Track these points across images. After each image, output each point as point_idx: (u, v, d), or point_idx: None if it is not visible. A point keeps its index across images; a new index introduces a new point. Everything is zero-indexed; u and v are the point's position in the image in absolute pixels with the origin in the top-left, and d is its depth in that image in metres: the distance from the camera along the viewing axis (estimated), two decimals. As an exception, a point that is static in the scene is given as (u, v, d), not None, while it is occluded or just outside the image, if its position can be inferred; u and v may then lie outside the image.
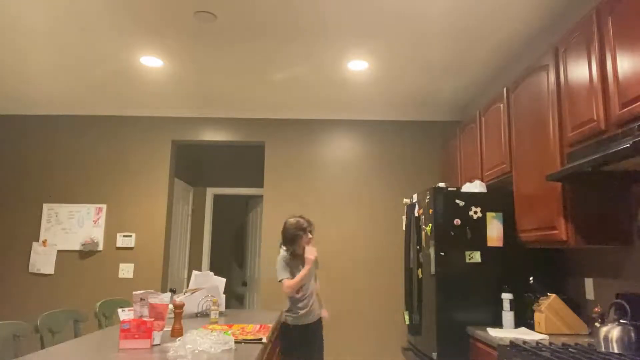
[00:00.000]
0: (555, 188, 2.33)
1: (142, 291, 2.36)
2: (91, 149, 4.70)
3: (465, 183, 3.19)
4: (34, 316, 2.41)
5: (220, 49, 3.36)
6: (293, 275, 2.98)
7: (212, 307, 2.74)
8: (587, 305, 2.50)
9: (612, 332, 1.93)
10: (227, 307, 3.32)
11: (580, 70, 2.16)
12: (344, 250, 4.51)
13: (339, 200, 4.62)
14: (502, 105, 3.01)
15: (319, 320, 3.14)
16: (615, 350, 1.90)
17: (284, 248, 3.08)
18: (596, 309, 2.18)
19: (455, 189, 2.98)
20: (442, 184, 3.08)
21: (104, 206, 4.59)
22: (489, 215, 2.85)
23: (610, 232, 2.19)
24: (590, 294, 2.52)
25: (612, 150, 1.76)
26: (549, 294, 2.52)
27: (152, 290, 2.41)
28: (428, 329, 2.95)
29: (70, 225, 4.55)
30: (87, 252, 4.49)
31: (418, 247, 3.21)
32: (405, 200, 3.62)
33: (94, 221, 4.56)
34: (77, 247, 4.50)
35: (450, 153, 4.10)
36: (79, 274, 4.46)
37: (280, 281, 2.99)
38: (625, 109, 1.84)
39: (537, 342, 2.15)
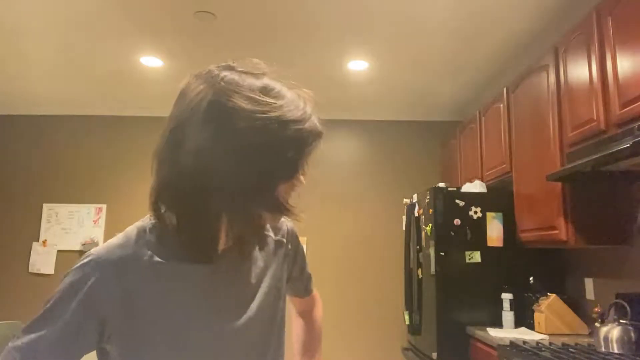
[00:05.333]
0: (555, 188, 2.33)
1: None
2: (91, 149, 4.70)
3: (465, 183, 3.19)
4: (34, 316, 2.41)
5: (220, 49, 3.35)
6: None
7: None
8: (587, 305, 2.50)
9: (612, 332, 1.93)
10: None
11: (580, 71, 2.16)
12: (344, 251, 4.50)
13: (339, 200, 4.62)
14: (502, 105, 3.01)
15: None
16: (615, 350, 1.90)
17: None
18: (596, 309, 2.18)
19: (455, 189, 2.98)
20: (442, 184, 3.08)
21: (104, 206, 4.59)
22: (489, 215, 2.85)
23: (610, 232, 2.19)
24: (590, 294, 2.52)
25: (612, 150, 1.76)
26: (549, 294, 2.52)
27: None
28: (428, 329, 2.95)
29: (70, 225, 4.55)
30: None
31: (418, 247, 3.21)
32: (405, 200, 3.62)
33: (94, 221, 4.56)
34: (77, 247, 4.49)
35: (450, 153, 4.10)
36: (79, 274, 4.45)
37: None
38: (625, 109, 1.84)
39: (537, 342, 2.15)
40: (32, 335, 0.70)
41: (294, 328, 1.16)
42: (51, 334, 0.70)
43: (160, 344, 0.74)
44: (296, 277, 1.02)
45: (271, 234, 0.92)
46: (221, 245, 0.79)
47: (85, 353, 0.75)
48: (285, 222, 0.96)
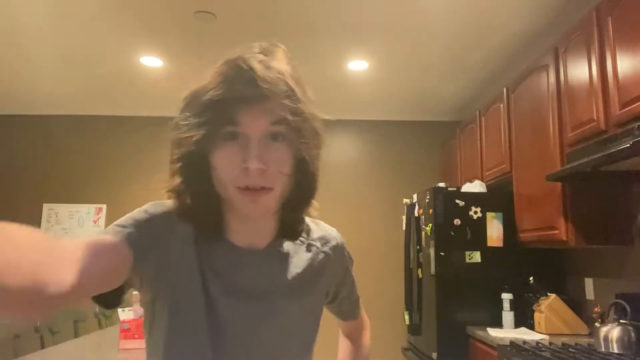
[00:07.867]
0: (555, 188, 2.33)
1: (142, 291, 2.36)
2: (91, 149, 4.70)
3: (465, 183, 3.19)
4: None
5: (220, 49, 3.34)
6: None
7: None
8: (587, 305, 2.50)
9: (612, 332, 1.93)
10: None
11: (580, 71, 2.16)
12: (344, 250, 4.50)
13: (339, 200, 4.62)
14: (502, 105, 3.01)
15: None
16: (615, 350, 1.90)
17: None
18: (596, 309, 2.18)
19: (455, 189, 2.98)
20: (442, 184, 3.08)
21: (104, 206, 4.59)
22: (489, 215, 2.85)
23: (610, 232, 2.19)
24: (590, 294, 2.52)
25: (612, 150, 1.76)
26: (549, 294, 2.52)
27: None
28: (428, 329, 2.95)
29: (70, 225, 4.55)
30: (87, 252, 4.49)
31: (418, 247, 3.21)
32: (405, 200, 3.62)
33: (94, 221, 4.56)
34: (77, 247, 4.49)
35: (450, 153, 4.10)
36: (79, 274, 4.45)
37: None
38: (625, 109, 1.84)
39: (537, 342, 2.15)
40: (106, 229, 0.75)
41: (339, 348, 1.13)
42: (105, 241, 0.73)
43: (163, 314, 0.76)
44: (344, 298, 1.00)
45: (317, 244, 0.89)
46: (241, 240, 0.79)
47: (122, 275, 0.73)
48: (336, 238, 0.95)
